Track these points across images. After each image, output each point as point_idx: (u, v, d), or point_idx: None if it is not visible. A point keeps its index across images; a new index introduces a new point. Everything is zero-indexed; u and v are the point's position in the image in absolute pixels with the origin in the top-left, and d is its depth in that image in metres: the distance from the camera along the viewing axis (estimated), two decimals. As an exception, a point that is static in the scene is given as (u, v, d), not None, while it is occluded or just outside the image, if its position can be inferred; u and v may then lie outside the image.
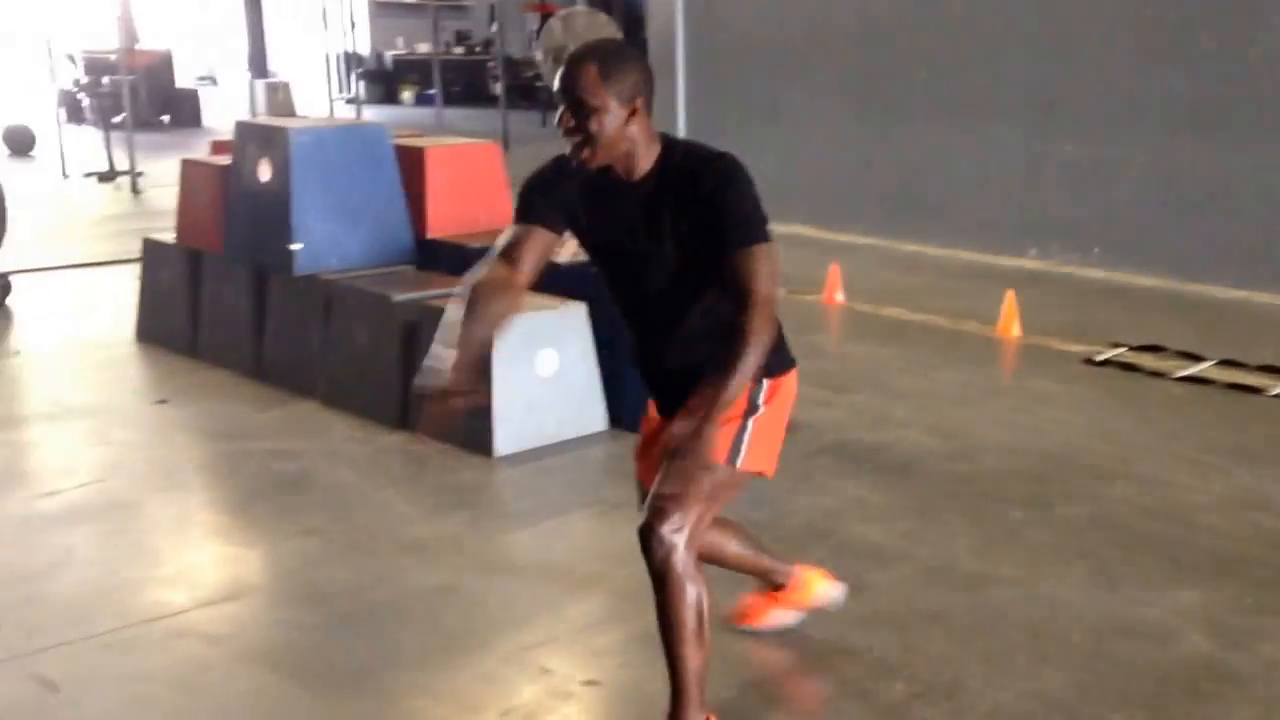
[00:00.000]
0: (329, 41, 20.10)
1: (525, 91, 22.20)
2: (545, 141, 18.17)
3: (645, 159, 3.10)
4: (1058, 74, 9.67)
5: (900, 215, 10.79)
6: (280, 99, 20.77)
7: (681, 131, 12.54)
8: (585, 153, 3.04)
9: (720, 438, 2.97)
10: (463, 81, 24.05)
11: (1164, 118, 9.06)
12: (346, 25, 20.87)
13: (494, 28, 21.04)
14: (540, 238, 3.19)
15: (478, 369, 3.11)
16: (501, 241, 3.22)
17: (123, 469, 5.37)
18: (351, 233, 6.48)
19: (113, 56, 17.76)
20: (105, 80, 17.32)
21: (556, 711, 3.45)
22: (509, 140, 17.00)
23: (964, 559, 4.37)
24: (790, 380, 3.39)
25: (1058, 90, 9.67)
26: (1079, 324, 7.70)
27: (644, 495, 3.27)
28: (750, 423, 3.20)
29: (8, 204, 8.55)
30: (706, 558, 3.32)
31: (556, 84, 3.05)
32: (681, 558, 3.02)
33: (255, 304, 6.66)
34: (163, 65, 22.06)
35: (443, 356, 3.05)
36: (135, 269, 7.72)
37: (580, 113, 2.99)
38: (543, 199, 3.20)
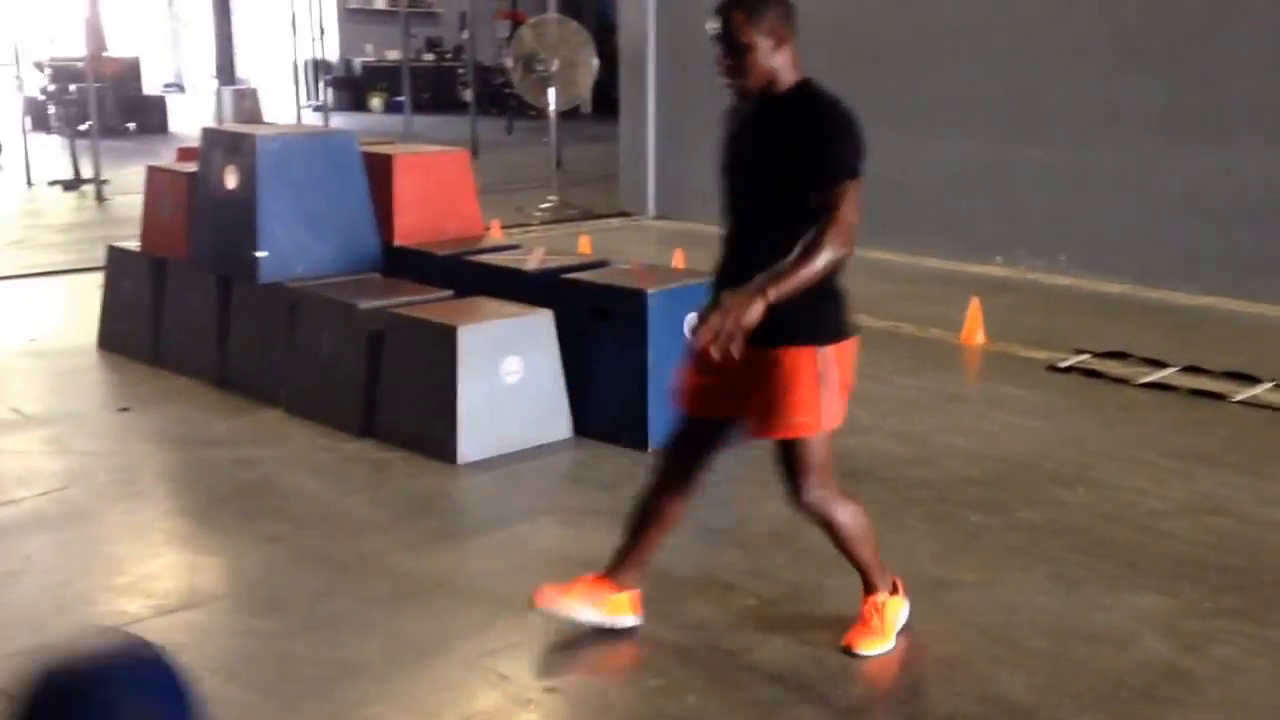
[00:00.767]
0: (298, 48, 20.02)
1: (496, 98, 22.18)
2: (515, 148, 18.23)
3: (781, 88, 3.57)
4: (1026, 82, 9.72)
5: (868, 222, 10.65)
6: (248, 106, 20.69)
7: (651, 139, 12.57)
8: (740, 86, 3.57)
9: (798, 415, 3.52)
10: (433, 89, 24.00)
11: (1131, 125, 9.13)
12: (316, 32, 20.78)
13: (464, 35, 21.01)
14: None
15: None
16: None
17: (83, 477, 5.34)
18: (318, 240, 6.46)
19: (80, 64, 17.65)
20: (72, 88, 17.20)
21: (515, 718, 3.45)
22: (479, 147, 17.00)
23: (924, 563, 4.39)
24: (851, 345, 3.68)
25: (1026, 98, 9.73)
26: (1044, 331, 7.75)
27: (687, 421, 3.78)
28: (824, 392, 3.55)
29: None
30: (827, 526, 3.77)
31: (710, 30, 3.53)
32: (827, 505, 3.68)
33: (219, 312, 6.63)
34: (130, 72, 21.93)
35: None
36: (99, 277, 7.68)
37: (733, 52, 3.50)
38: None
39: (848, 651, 3.75)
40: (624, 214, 12.70)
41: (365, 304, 5.85)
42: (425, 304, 5.80)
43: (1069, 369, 6.91)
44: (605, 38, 15.27)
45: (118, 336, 7.34)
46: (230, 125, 14.74)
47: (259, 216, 6.27)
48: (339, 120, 20.11)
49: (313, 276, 6.31)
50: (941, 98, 10.28)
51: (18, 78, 16.23)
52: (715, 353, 3.27)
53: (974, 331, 7.55)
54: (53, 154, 16.46)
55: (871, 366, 6.94)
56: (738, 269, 3.55)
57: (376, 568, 4.37)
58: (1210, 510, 4.86)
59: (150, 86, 23.55)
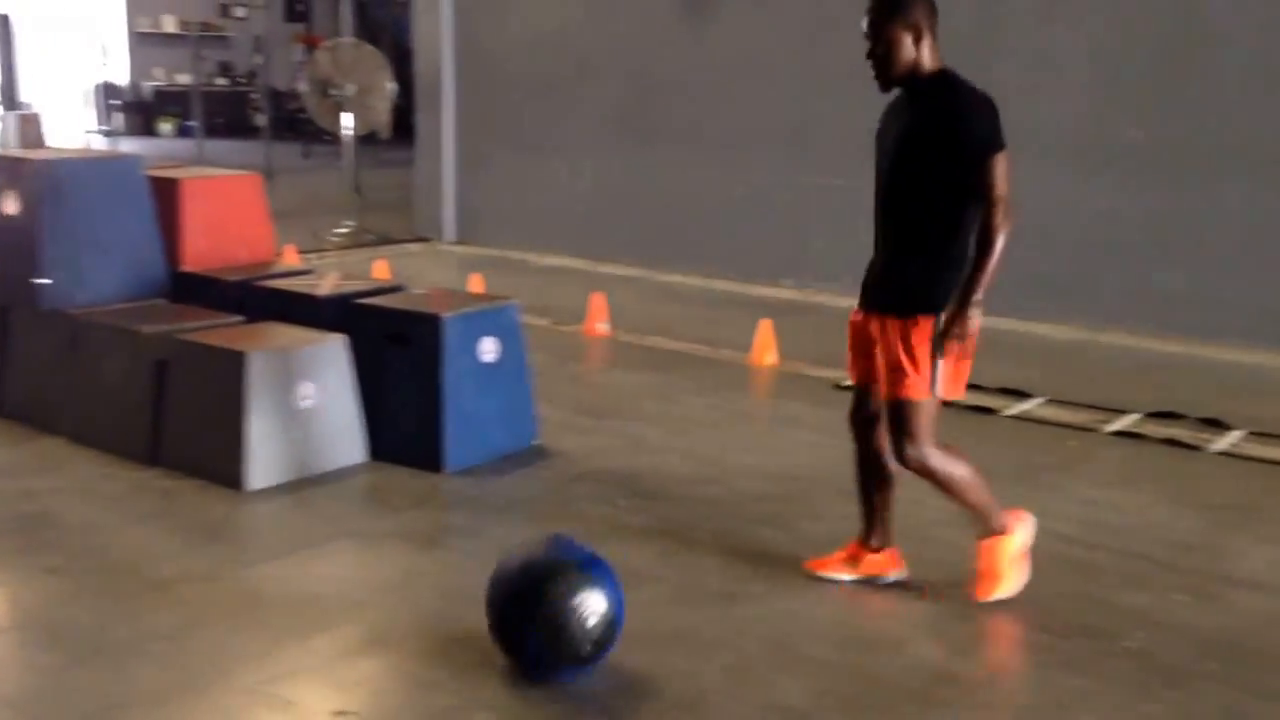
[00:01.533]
0: (86, 72, 19.41)
1: (291, 124, 21.87)
2: (311, 174, 17.98)
3: (922, 76, 4.01)
4: (810, 108, 10.03)
5: (662, 246, 11.02)
6: (31, 131, 19.96)
7: (449, 164, 12.57)
8: (884, 77, 4.03)
9: (915, 381, 3.98)
10: (226, 114, 23.56)
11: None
12: (103, 56, 20.21)
13: (258, 59, 20.68)
14: None
15: None
16: None
17: None
18: (102, 266, 6.30)
19: None
20: None
21: (303, 743, 3.44)
22: (272, 172, 16.73)
23: (712, 578, 4.50)
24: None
25: (810, 124, 10.04)
26: (831, 351, 7.92)
27: (855, 391, 4.41)
28: (940, 362, 3.99)
29: None
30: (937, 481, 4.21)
31: (861, 26, 4.00)
32: (928, 462, 4.08)
33: (-1, 340, 6.42)
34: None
35: None
36: None
37: (877, 46, 3.97)
38: None
39: (978, 602, 4.22)
40: (422, 239, 12.66)
41: (150, 330, 5.73)
42: (213, 330, 5.71)
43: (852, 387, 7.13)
44: (403, 62, 15.20)
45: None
46: (11, 150, 14.23)
47: (40, 242, 6.09)
48: (128, 145, 19.60)
49: (96, 302, 6.15)
50: (731, 123, 10.54)
51: None
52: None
53: (764, 352, 7.76)
54: None
55: (664, 387, 7.12)
56: (884, 250, 4.16)
57: (161, 597, 4.29)
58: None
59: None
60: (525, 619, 3.64)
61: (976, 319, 3.93)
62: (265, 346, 5.42)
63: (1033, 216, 8.75)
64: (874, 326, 4.18)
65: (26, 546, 4.74)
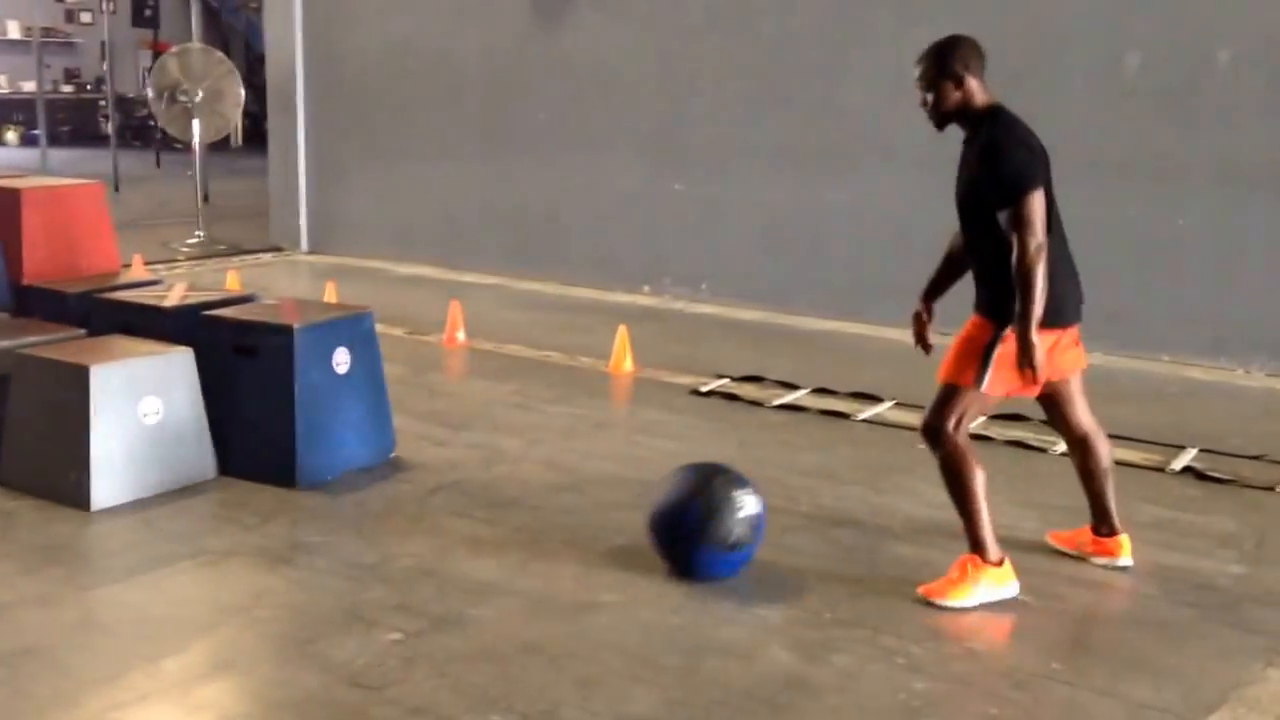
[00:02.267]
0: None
1: (140, 131, 21.36)
2: (161, 182, 17.59)
3: (972, 116, 4.38)
4: (667, 116, 10.11)
5: (522, 254, 11.00)
6: None
7: (302, 172, 12.40)
8: (934, 120, 4.45)
9: (960, 364, 4.35)
10: (73, 121, 22.94)
11: (766, 159, 9.62)
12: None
13: (105, 65, 20.15)
14: None
15: None
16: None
17: None
18: (-65, 280, 6.11)
19: None
20: None
21: (147, 770, 3.36)
22: (120, 181, 16.35)
23: (567, 588, 4.50)
24: (1044, 335, 4.29)
25: (668, 131, 10.12)
26: (688, 357, 8.06)
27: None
28: (992, 358, 4.31)
29: None
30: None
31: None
32: (951, 446, 4.34)
33: None
34: None
35: None
36: None
37: (925, 94, 4.39)
38: None
39: (924, 601, 4.38)
40: (276, 249, 12.47)
41: (-13, 346, 5.56)
42: (55, 344, 5.55)
43: (710, 393, 7.22)
44: (256, 69, 14.97)
45: None
46: None
47: None
48: (-33, 153, 18.94)
49: (-70, 318, 5.95)
50: (588, 129, 10.57)
51: None
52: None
53: (622, 359, 7.78)
54: None
55: (521, 396, 7.11)
56: (977, 282, 4.50)
57: (-1, 624, 4.16)
58: (833, 524, 5.18)
59: None
60: (690, 495, 4.45)
61: (1038, 347, 4.23)
62: (109, 360, 5.27)
63: (889, 224, 8.98)
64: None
65: None
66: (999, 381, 4.35)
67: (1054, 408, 4.73)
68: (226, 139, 15.99)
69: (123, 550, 4.84)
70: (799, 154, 9.46)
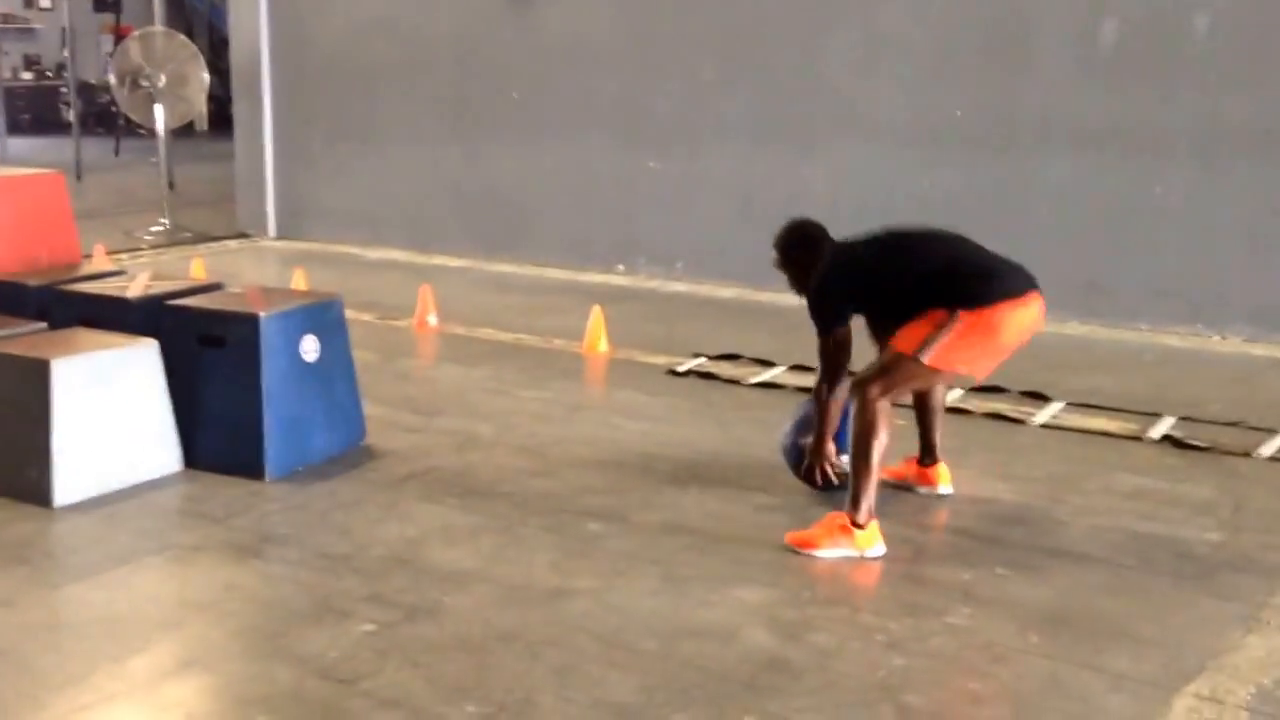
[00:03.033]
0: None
1: (102, 118, 21.12)
2: (125, 170, 17.40)
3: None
4: (640, 92, 10.02)
5: (493, 236, 10.91)
6: None
7: (269, 157, 12.27)
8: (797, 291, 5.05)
9: (911, 338, 4.52)
10: (34, 109, 22.67)
11: (739, 134, 9.54)
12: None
13: (65, 52, 19.92)
14: None
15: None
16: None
17: None
18: (-109, 275, 5.98)
19: None
20: None
21: (114, 773, 3.28)
22: (82, 170, 16.16)
23: (542, 575, 4.44)
24: (989, 312, 4.52)
25: (640, 109, 10.03)
26: (664, 337, 7.99)
27: None
28: (940, 333, 4.48)
29: None
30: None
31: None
32: (873, 408, 4.51)
33: None
34: None
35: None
36: None
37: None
38: None
39: (791, 549, 4.58)
40: (243, 235, 12.34)
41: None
42: (14, 338, 5.43)
43: (687, 373, 7.15)
44: (221, 52, 14.80)
45: None
46: None
47: None
48: (-72, 143, 18.70)
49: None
50: (560, 109, 10.47)
51: None
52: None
53: (596, 340, 7.71)
54: None
55: (494, 380, 7.03)
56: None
57: (-39, 626, 4.07)
58: (813, 502, 5.09)
59: None
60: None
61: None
62: (70, 353, 5.16)
63: (864, 198, 8.91)
64: None
65: None
66: (945, 356, 4.50)
67: None
68: (191, 124, 15.79)
69: (86, 547, 4.74)
70: (773, 130, 9.38)
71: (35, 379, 5.02)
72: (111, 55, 13.20)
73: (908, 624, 4.05)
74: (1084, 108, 8.14)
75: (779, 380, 6.92)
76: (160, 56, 12.20)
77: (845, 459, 4.82)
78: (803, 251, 4.99)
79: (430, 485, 5.38)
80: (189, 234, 12.10)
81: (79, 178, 15.85)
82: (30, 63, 24.07)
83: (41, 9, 20.51)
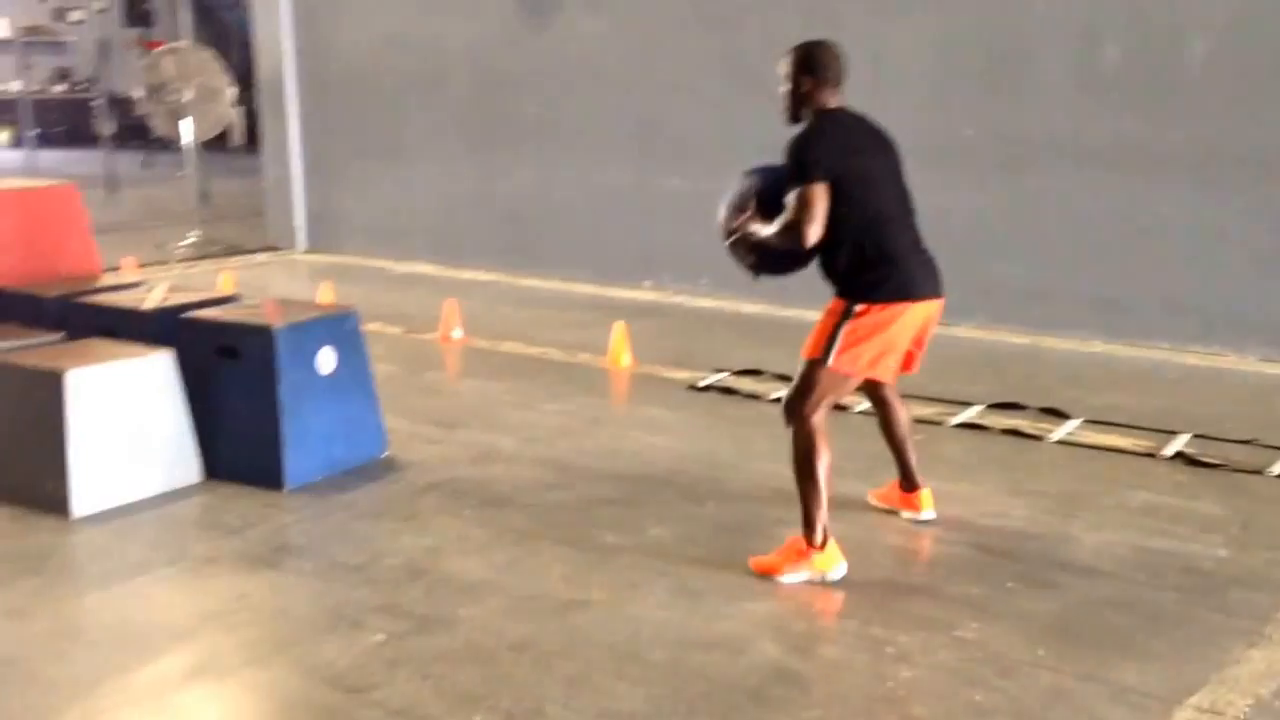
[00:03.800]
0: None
1: (137, 131, 21.28)
2: (159, 183, 17.55)
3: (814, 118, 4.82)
4: (661, 109, 10.03)
5: (518, 250, 10.93)
6: None
7: (298, 170, 12.34)
8: (786, 112, 4.99)
9: (815, 341, 4.50)
10: (67, 121, 22.85)
11: (757, 153, 9.50)
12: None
13: (99, 65, 20.13)
14: None
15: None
16: None
17: None
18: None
19: None
20: None
21: (122, 780, 3.30)
22: (116, 182, 16.28)
23: (556, 586, 4.45)
24: (889, 309, 4.46)
25: (661, 125, 10.03)
26: (686, 352, 7.99)
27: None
28: (840, 334, 4.44)
29: None
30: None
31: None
32: (806, 428, 4.45)
33: None
34: None
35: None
36: None
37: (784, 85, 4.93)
38: None
39: (754, 574, 4.50)
40: (273, 249, 12.41)
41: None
42: (31, 349, 5.48)
43: (707, 388, 7.15)
44: (253, 63, 14.90)
45: None
46: None
47: None
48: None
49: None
50: (584, 125, 10.49)
51: None
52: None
53: (619, 355, 7.72)
54: None
55: (517, 394, 7.04)
56: (824, 274, 4.74)
57: (-24, 634, 4.11)
58: (828, 516, 5.09)
59: None
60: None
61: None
62: (86, 364, 5.20)
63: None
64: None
65: None
66: (848, 359, 4.45)
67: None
68: (223, 136, 15.92)
69: (102, 558, 4.78)
70: (781, 146, 9.35)
71: (50, 389, 5.06)
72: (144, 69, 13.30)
73: (917, 637, 4.04)
74: (1085, 127, 8.10)
75: (799, 394, 6.90)
76: (190, 70, 12.30)
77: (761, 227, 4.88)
78: (812, 85, 4.92)
79: (449, 497, 5.40)
80: (219, 247, 12.19)
81: (112, 190, 15.99)
82: (62, 75, 24.26)
83: (71, 22, 20.67)
